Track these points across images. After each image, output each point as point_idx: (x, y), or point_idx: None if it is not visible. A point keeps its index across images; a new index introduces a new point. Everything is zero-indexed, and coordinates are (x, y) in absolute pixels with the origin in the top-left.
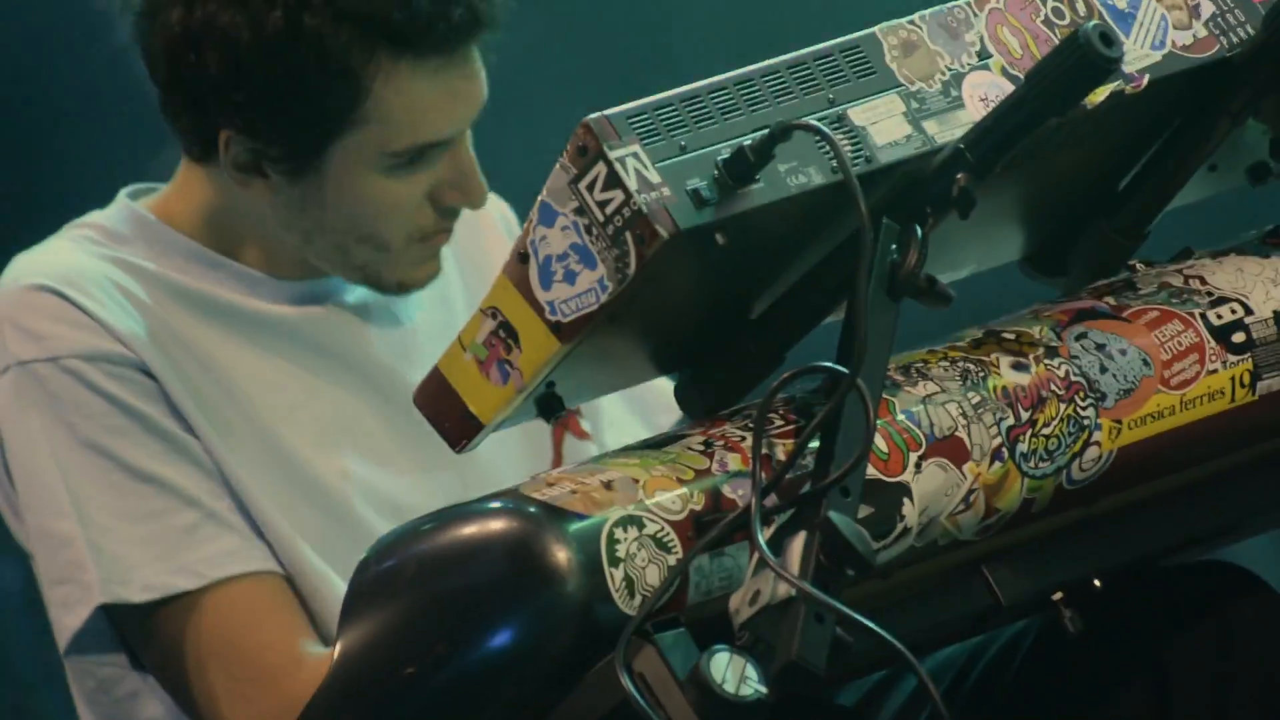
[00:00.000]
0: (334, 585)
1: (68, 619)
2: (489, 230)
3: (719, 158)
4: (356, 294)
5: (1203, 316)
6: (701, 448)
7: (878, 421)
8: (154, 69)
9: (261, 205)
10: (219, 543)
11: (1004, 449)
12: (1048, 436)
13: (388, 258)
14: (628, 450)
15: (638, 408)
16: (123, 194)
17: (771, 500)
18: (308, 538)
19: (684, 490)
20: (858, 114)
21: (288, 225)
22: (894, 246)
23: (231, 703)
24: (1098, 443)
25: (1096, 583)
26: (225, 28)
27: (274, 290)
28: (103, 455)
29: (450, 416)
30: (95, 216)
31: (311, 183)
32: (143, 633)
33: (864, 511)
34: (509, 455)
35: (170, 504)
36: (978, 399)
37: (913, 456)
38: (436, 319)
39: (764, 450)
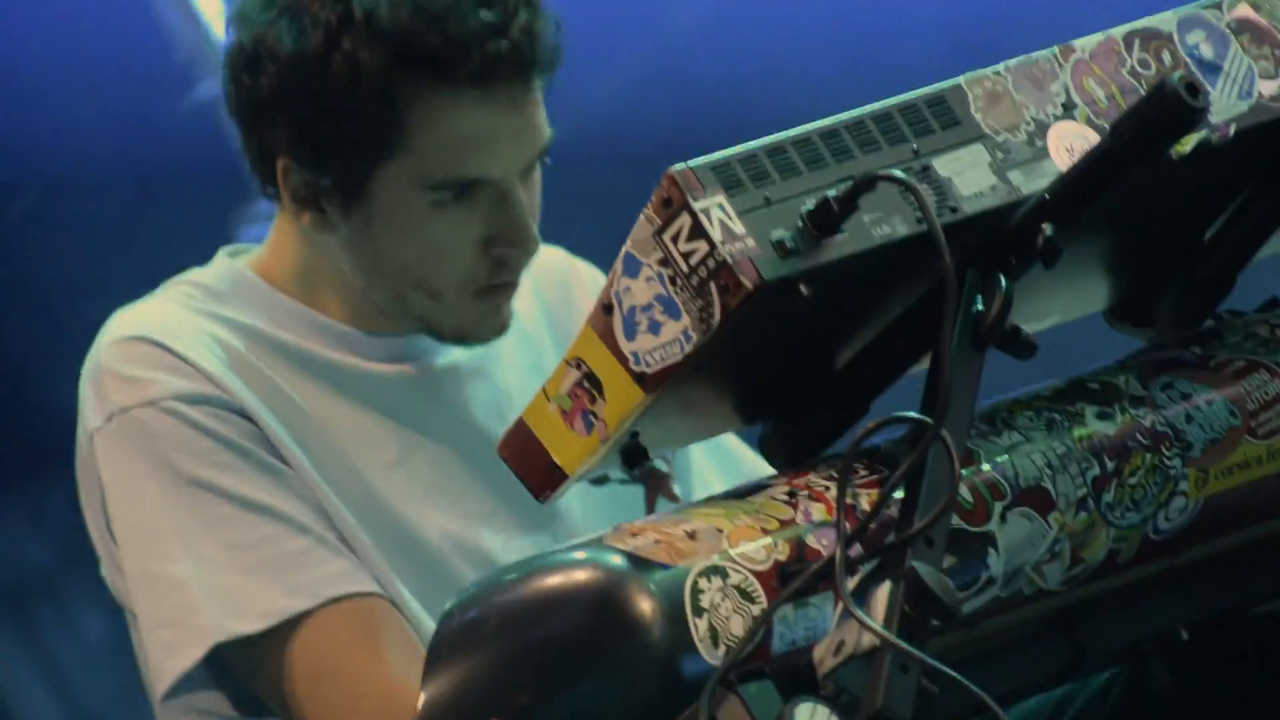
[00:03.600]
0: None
1: (171, 662)
2: (581, 295)
3: (803, 209)
4: (449, 355)
5: None
6: (786, 498)
7: (962, 471)
8: (226, 95)
9: (335, 251)
10: (330, 565)
11: (1089, 499)
12: (1133, 486)
13: (441, 307)
14: (711, 500)
15: (729, 470)
16: (222, 252)
17: (856, 550)
18: (409, 587)
19: (768, 540)
20: (942, 164)
21: (353, 269)
22: (979, 297)
23: None
24: (1184, 493)
25: (1183, 633)
26: (273, 46)
27: (368, 348)
28: (208, 490)
29: (535, 467)
30: (194, 274)
31: (361, 216)
32: (254, 663)
33: (948, 561)
34: (602, 517)
35: (279, 530)
36: (1063, 449)
37: (998, 506)
38: (529, 383)
39: (848, 500)
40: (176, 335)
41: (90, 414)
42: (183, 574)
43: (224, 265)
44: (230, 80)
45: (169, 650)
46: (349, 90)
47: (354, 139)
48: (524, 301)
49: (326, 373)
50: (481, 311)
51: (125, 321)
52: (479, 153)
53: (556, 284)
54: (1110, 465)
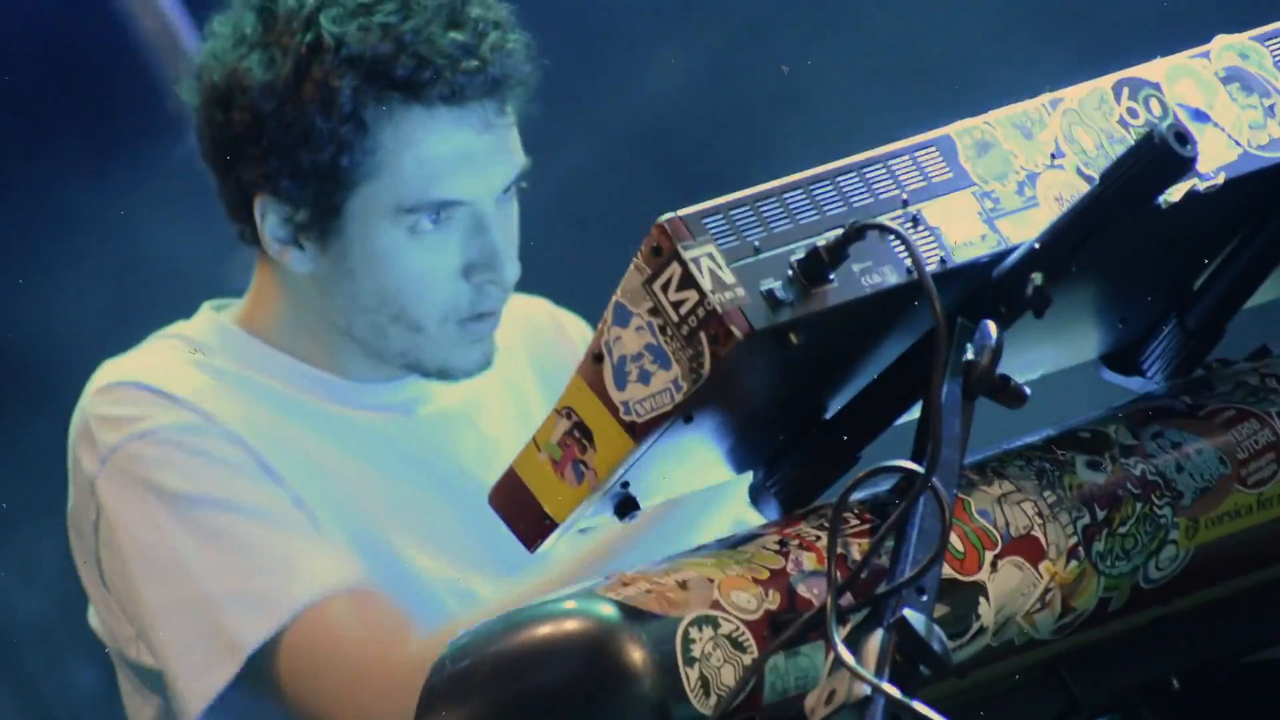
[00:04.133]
0: None
1: (205, 683)
2: (566, 346)
3: (793, 258)
4: (436, 402)
5: (1279, 415)
6: (777, 547)
7: (953, 520)
8: (199, 139)
9: (314, 294)
10: (330, 559)
11: (1080, 548)
12: (1124, 535)
13: (424, 340)
14: (702, 549)
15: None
16: (206, 306)
17: (847, 600)
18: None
19: (759, 590)
20: (932, 213)
21: (333, 307)
22: (969, 346)
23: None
24: (1175, 541)
25: (1175, 682)
26: (243, 79)
27: (355, 395)
28: (209, 506)
29: (525, 516)
30: (180, 327)
31: (338, 247)
32: (274, 670)
33: (940, 611)
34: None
35: (280, 533)
36: (1054, 498)
37: (989, 555)
38: (516, 432)
39: (839, 550)
40: (163, 378)
41: (86, 462)
42: (201, 593)
43: (209, 318)
44: (204, 122)
45: (203, 671)
46: (322, 116)
47: (328, 165)
48: (509, 352)
49: (315, 420)
50: (464, 343)
51: (110, 370)
52: (453, 174)
53: (541, 334)
54: (1101, 514)
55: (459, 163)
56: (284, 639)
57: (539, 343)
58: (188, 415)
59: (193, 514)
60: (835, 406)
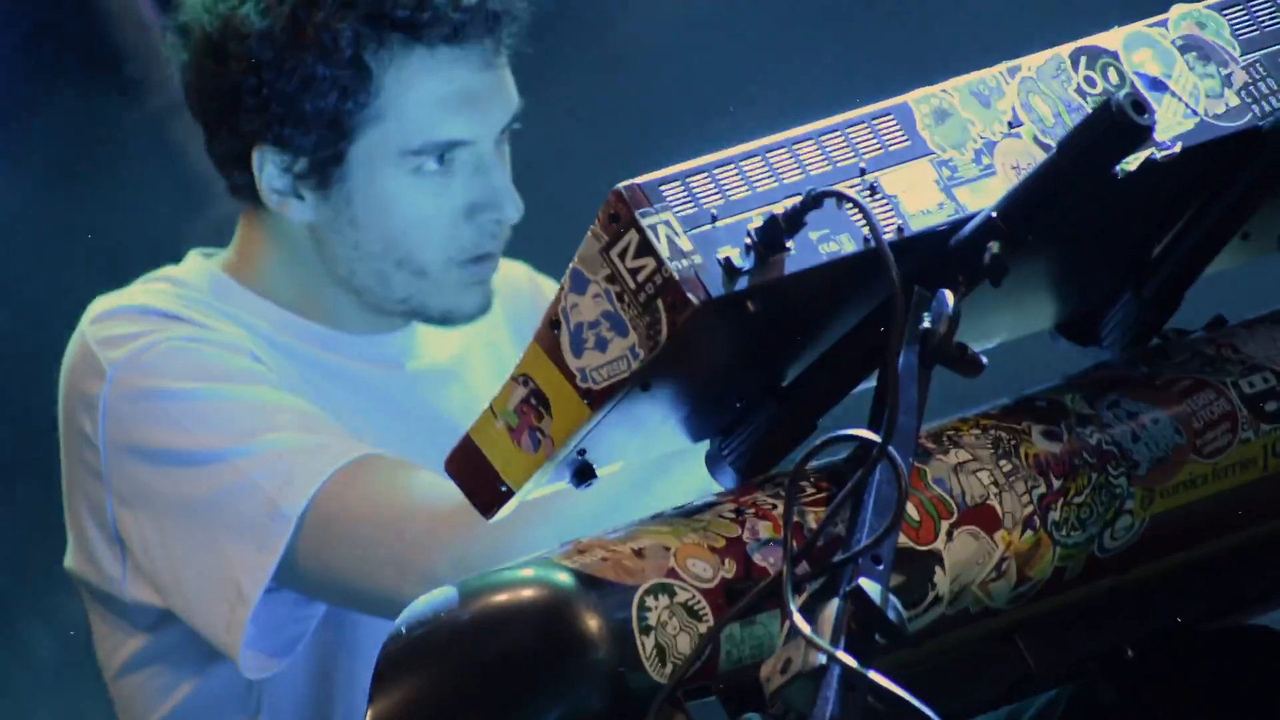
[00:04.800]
0: None
1: (262, 556)
2: (544, 309)
3: (751, 225)
4: (426, 358)
5: (1235, 385)
6: (733, 515)
7: (909, 489)
8: (190, 94)
9: (310, 246)
10: (342, 437)
11: (1036, 517)
12: (1080, 505)
13: (428, 285)
14: (659, 517)
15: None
16: (193, 253)
17: (803, 568)
18: None
19: (715, 558)
20: (889, 182)
21: (334, 259)
22: (926, 314)
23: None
24: (1130, 511)
25: (1129, 651)
26: (239, 27)
27: (347, 347)
28: (226, 392)
29: (481, 484)
30: (168, 270)
31: (341, 195)
32: (305, 544)
33: (896, 579)
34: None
35: (299, 413)
36: (1009, 467)
37: (944, 525)
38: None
39: (795, 518)
40: (161, 303)
41: (89, 386)
42: (237, 472)
43: (197, 263)
44: (195, 74)
45: (256, 548)
46: (323, 62)
47: (332, 112)
48: (489, 313)
49: (307, 366)
50: (467, 286)
51: (104, 302)
52: (456, 114)
53: (519, 298)
54: (1057, 484)
55: (462, 102)
56: (317, 503)
57: (516, 305)
58: (190, 328)
59: (211, 401)
60: (793, 374)
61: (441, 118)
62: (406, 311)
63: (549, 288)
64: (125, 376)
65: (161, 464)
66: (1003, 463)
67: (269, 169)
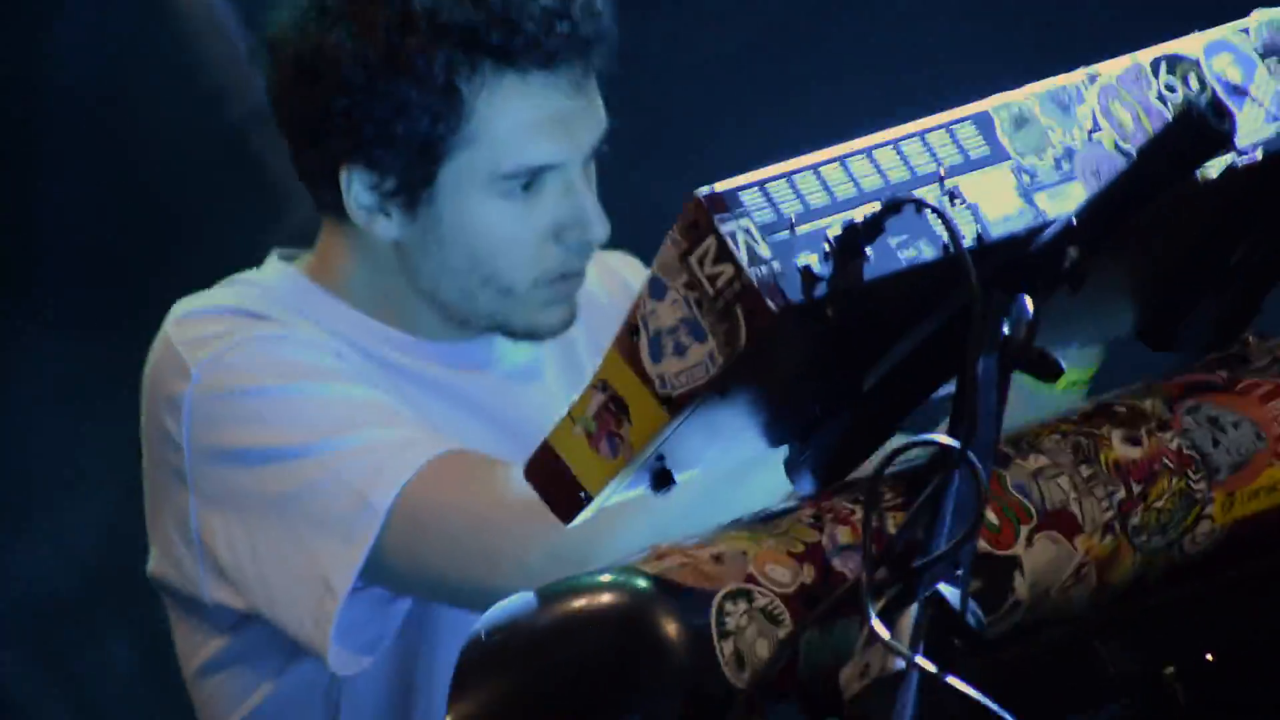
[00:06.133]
0: None
1: (351, 548)
2: (615, 287)
3: (829, 232)
4: (508, 361)
5: None
6: (812, 521)
7: (989, 495)
8: (278, 110)
9: (393, 259)
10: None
11: (1115, 522)
12: (1160, 510)
13: (513, 303)
14: (738, 523)
15: None
16: (274, 255)
17: (882, 574)
18: None
19: (794, 563)
20: (969, 188)
21: (417, 273)
22: (1005, 320)
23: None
24: (1210, 516)
25: (1209, 656)
26: (331, 53)
27: (429, 353)
28: (313, 390)
29: (560, 490)
30: (250, 274)
31: (429, 215)
32: (392, 539)
33: (975, 585)
34: None
35: (389, 411)
36: (1089, 472)
37: (1024, 530)
38: (571, 386)
39: (875, 524)
40: (244, 303)
41: (174, 385)
42: (323, 466)
43: (278, 268)
44: (283, 90)
45: (344, 541)
46: (416, 88)
47: (424, 136)
48: None
49: (390, 371)
50: (551, 304)
51: (186, 304)
52: (548, 138)
53: (608, 301)
54: (1136, 489)
55: (553, 127)
56: (406, 496)
57: (586, 300)
58: (274, 326)
59: (297, 397)
60: (871, 380)
61: (533, 142)
62: (490, 326)
63: (616, 260)
64: (210, 375)
65: (248, 462)
66: (1083, 468)
67: (357, 187)
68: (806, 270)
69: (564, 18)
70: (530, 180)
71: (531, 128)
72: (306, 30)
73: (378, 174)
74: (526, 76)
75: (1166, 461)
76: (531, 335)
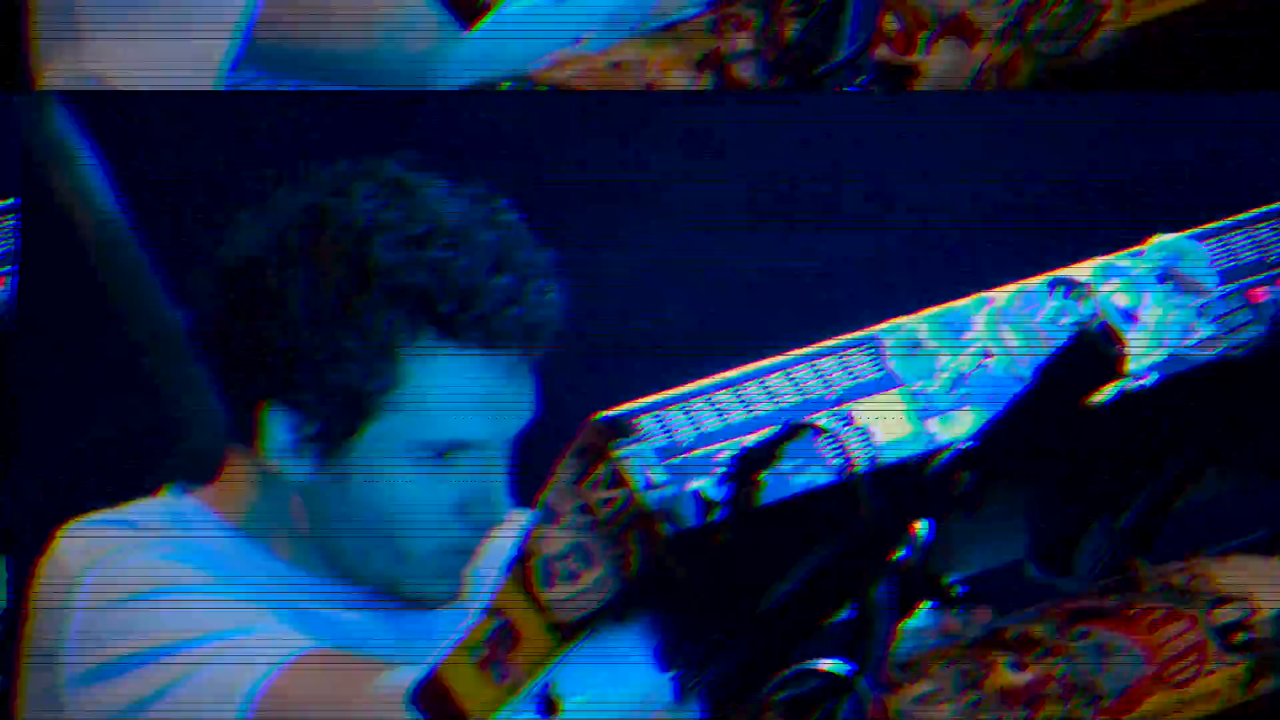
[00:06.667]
0: None
1: None
2: None
3: (723, 457)
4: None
5: (1205, 616)
6: None
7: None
8: (209, 330)
9: (294, 498)
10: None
11: None
12: None
13: (405, 569)
14: None
15: None
16: (168, 487)
17: None
18: None
19: None
20: (861, 412)
21: (314, 520)
22: (900, 546)
23: None
24: None
25: None
26: (284, 290)
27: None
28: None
29: (447, 717)
30: (140, 504)
31: (339, 467)
32: None
33: None
34: None
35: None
36: (975, 698)
37: None
38: None
39: None
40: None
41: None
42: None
43: (171, 499)
44: (223, 318)
45: None
46: (358, 343)
47: (354, 390)
48: None
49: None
50: (442, 575)
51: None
52: (476, 416)
53: None
54: (1021, 715)
55: (483, 406)
56: (269, 690)
57: None
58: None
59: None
60: (766, 604)
61: (460, 418)
62: (379, 586)
63: None
64: (96, 588)
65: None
66: (969, 693)
67: (275, 427)
68: (699, 495)
69: (516, 301)
70: (448, 451)
71: (461, 404)
72: (264, 263)
73: (302, 416)
74: (466, 353)
75: (1052, 687)
76: (415, 603)
